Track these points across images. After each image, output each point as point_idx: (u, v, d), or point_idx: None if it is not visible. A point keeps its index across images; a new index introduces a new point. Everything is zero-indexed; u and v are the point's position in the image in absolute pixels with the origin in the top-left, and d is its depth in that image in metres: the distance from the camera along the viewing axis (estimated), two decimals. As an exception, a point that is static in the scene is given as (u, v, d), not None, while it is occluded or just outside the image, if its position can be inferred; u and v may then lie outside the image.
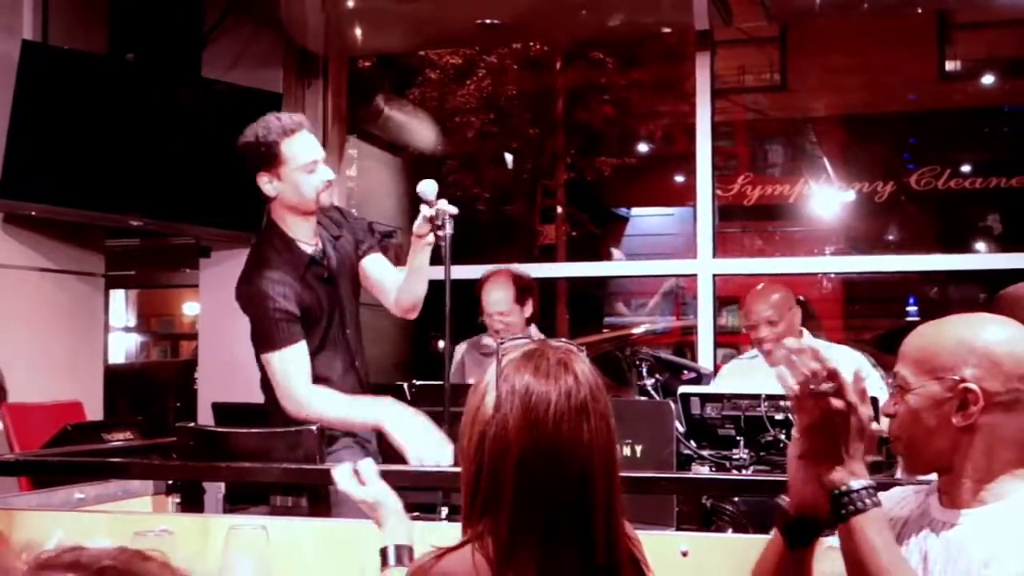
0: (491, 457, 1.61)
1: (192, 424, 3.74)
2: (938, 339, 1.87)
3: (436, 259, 3.43)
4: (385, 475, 3.18)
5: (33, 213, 5.05)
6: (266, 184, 3.53)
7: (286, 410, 3.40)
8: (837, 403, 1.71)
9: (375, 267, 3.74)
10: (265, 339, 3.45)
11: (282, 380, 3.41)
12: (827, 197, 11.35)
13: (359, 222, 3.83)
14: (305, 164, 3.49)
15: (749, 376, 4.41)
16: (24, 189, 4.94)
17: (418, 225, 3.40)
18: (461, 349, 4.93)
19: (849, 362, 4.37)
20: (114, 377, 6.01)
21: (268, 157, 3.49)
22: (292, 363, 3.42)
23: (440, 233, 3.31)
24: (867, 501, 1.71)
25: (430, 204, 3.32)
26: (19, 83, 4.85)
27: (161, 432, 5.24)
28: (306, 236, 3.58)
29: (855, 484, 1.72)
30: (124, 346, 11.21)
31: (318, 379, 3.46)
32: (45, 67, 4.95)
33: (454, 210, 3.32)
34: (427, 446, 3.18)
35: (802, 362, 1.72)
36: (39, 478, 3.66)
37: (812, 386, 1.71)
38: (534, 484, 1.59)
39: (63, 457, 3.65)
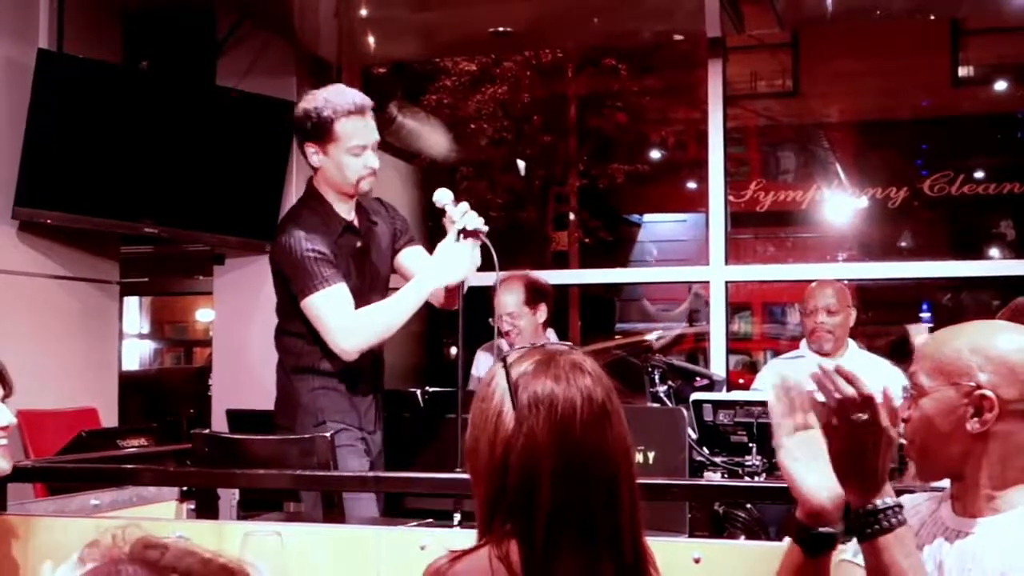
0: (521, 470, 1.58)
1: (206, 430, 3.75)
2: (955, 345, 1.85)
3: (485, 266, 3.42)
4: (395, 482, 3.20)
5: (48, 221, 5.08)
6: (312, 155, 3.54)
7: (343, 350, 3.40)
8: (870, 431, 1.69)
9: (414, 259, 3.71)
10: (305, 282, 3.41)
11: (332, 317, 3.40)
12: (840, 203, 11.31)
13: (399, 215, 3.80)
14: (352, 147, 3.48)
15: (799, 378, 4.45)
16: (40, 197, 4.97)
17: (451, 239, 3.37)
18: (480, 355, 4.93)
19: (887, 375, 4.41)
20: (129, 384, 6.04)
21: (319, 130, 3.48)
22: (336, 299, 3.40)
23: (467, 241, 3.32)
24: (893, 520, 1.70)
25: (447, 212, 3.34)
26: (35, 92, 4.87)
27: (175, 439, 5.27)
28: (343, 211, 3.58)
29: (882, 503, 1.70)
30: (138, 353, 11.24)
31: (332, 361, 3.47)
32: (60, 76, 4.98)
33: (483, 227, 3.33)
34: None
35: (838, 386, 1.70)
36: (54, 484, 3.68)
37: (846, 413, 1.69)
38: (568, 491, 1.58)
39: (78, 464, 3.66)
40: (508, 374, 1.64)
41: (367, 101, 3.53)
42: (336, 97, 3.48)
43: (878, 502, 1.70)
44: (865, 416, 1.69)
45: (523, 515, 1.58)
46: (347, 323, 3.41)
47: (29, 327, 5.00)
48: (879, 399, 1.71)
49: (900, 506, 1.72)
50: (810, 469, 1.75)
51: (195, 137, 5.41)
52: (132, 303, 10.36)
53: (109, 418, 5.43)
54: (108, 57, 5.46)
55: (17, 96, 4.88)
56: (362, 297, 3.51)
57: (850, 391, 1.70)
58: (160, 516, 3.49)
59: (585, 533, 1.58)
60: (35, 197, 4.96)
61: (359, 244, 3.59)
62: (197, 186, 5.41)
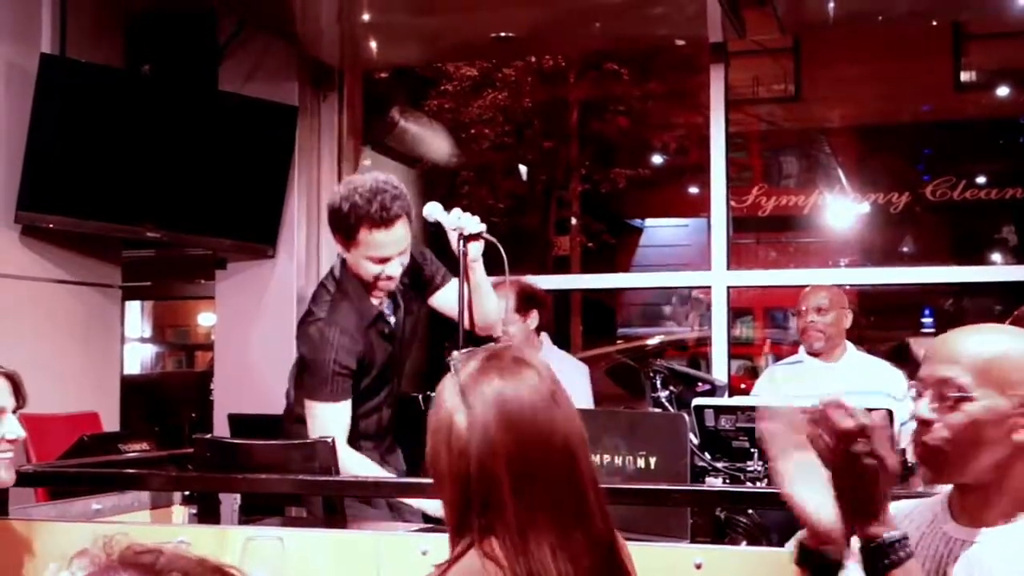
0: (481, 467, 1.63)
1: (208, 435, 3.75)
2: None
3: (490, 270, 3.42)
4: (396, 487, 3.20)
5: (51, 225, 5.08)
6: (338, 247, 3.44)
7: None
8: (870, 461, 1.67)
9: (447, 300, 3.57)
10: (315, 388, 3.37)
11: (320, 433, 3.33)
12: (842, 208, 11.33)
13: (429, 261, 3.65)
14: (372, 256, 3.34)
15: (796, 382, 4.47)
16: (42, 201, 4.98)
17: (456, 247, 3.32)
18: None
19: (888, 377, 4.42)
20: (130, 388, 6.03)
21: (343, 228, 3.34)
22: (334, 421, 3.35)
23: (469, 247, 3.30)
24: (902, 554, 1.68)
25: (441, 223, 3.32)
26: (37, 96, 4.88)
27: (177, 443, 5.26)
28: (375, 298, 3.49)
29: (889, 537, 1.69)
30: (140, 357, 11.23)
31: (356, 431, 3.43)
32: (63, 80, 4.99)
33: (481, 227, 3.31)
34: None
35: (837, 418, 1.68)
36: (56, 489, 3.68)
37: (845, 446, 1.68)
38: (529, 477, 1.64)
39: (80, 468, 3.66)
40: (457, 377, 1.70)
41: (399, 210, 3.31)
42: (368, 205, 3.28)
43: (885, 536, 1.68)
44: (865, 447, 1.67)
45: (493, 509, 1.63)
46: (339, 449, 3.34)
47: (31, 331, 5.00)
48: (878, 419, 1.69)
49: (906, 537, 1.70)
50: (813, 492, 1.74)
51: (197, 141, 5.41)
52: (134, 307, 10.35)
53: (111, 422, 5.42)
54: (111, 61, 5.46)
55: (20, 100, 4.89)
56: (388, 380, 3.54)
57: (848, 422, 1.68)
58: (161, 521, 3.49)
59: (554, 510, 1.64)
60: (38, 201, 4.96)
61: (387, 332, 3.51)
62: (199, 190, 5.41)
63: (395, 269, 3.36)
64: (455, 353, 1.77)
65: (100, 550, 1.23)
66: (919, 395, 1.86)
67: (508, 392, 1.67)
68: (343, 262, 3.47)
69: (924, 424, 1.83)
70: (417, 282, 3.59)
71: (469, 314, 3.33)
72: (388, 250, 3.32)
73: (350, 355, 3.36)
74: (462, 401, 1.67)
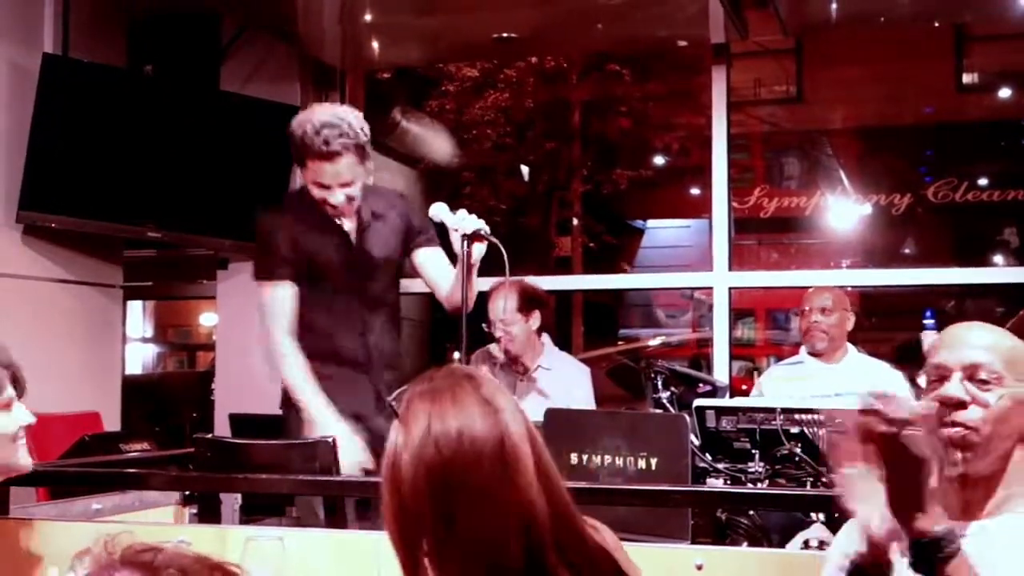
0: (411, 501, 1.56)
1: (209, 435, 3.75)
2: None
3: (485, 270, 3.48)
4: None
5: (53, 225, 5.09)
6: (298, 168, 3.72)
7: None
8: (919, 452, 1.65)
9: (427, 261, 3.82)
10: (261, 268, 3.74)
11: (267, 316, 3.68)
12: (843, 210, 11.33)
13: (418, 214, 3.84)
14: (316, 183, 3.61)
15: (798, 382, 4.48)
16: (44, 201, 4.98)
17: (459, 248, 3.40)
18: (474, 360, 4.93)
19: (888, 379, 4.43)
20: (131, 388, 6.03)
21: (296, 155, 3.63)
22: (277, 301, 3.66)
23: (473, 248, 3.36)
24: (951, 548, 1.65)
25: (446, 224, 3.37)
26: (39, 96, 4.88)
27: (178, 443, 5.27)
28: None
29: (939, 530, 1.66)
30: (141, 357, 11.24)
31: (316, 348, 3.65)
32: (65, 80, 4.99)
33: (483, 227, 3.36)
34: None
35: (888, 410, 1.64)
36: (57, 488, 3.68)
37: (895, 438, 1.65)
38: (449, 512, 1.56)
39: (81, 468, 3.66)
40: (395, 413, 1.61)
41: (340, 146, 3.55)
42: (314, 137, 3.54)
43: (937, 529, 1.65)
44: (914, 438, 1.64)
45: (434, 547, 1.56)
46: (273, 336, 3.67)
47: (33, 331, 5.00)
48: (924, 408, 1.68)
49: (954, 531, 1.67)
50: (873, 508, 1.71)
51: (199, 141, 5.41)
52: (135, 307, 10.36)
53: (112, 422, 5.43)
54: (113, 62, 5.47)
55: (22, 100, 4.90)
56: (354, 288, 3.72)
57: (899, 414, 1.65)
58: (162, 520, 3.49)
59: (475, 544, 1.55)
60: (39, 201, 4.96)
61: (339, 239, 3.71)
62: (200, 190, 5.41)
63: (338, 198, 3.60)
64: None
65: (102, 549, 1.24)
66: (940, 379, 1.88)
67: (434, 422, 1.56)
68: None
69: (958, 405, 1.84)
70: (394, 220, 3.79)
71: (448, 294, 3.65)
72: (328, 179, 3.57)
73: (290, 240, 3.67)
74: (403, 437, 1.58)
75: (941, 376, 1.88)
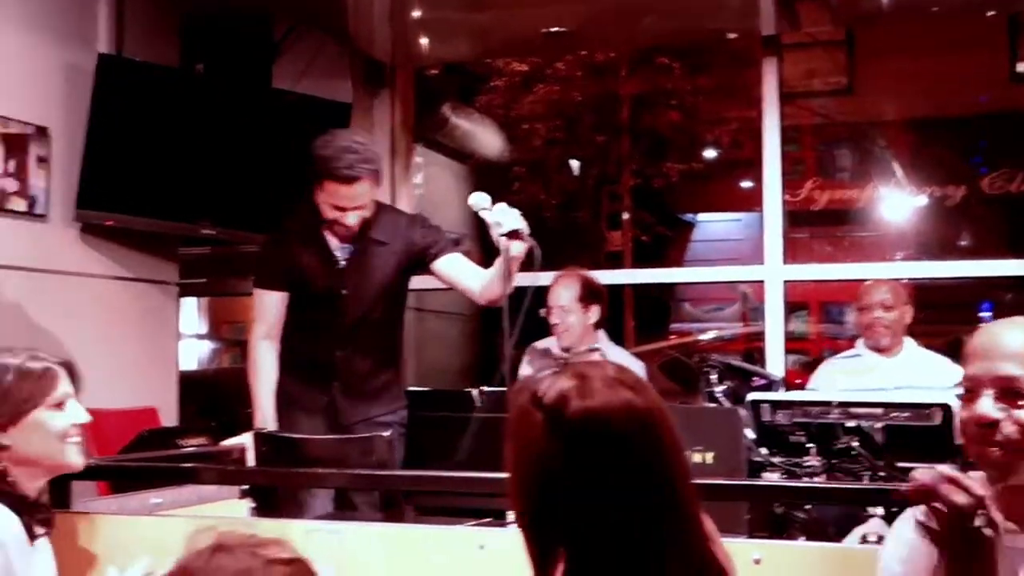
0: (577, 498, 1.52)
1: (266, 429, 3.79)
2: None
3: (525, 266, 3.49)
4: (451, 481, 3.21)
5: (110, 223, 5.15)
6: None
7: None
8: (988, 532, 1.60)
9: (449, 266, 3.91)
10: (256, 274, 4.04)
11: (254, 315, 3.98)
12: (897, 202, 11.22)
13: (432, 230, 3.98)
14: (331, 204, 3.77)
15: (855, 376, 4.46)
16: (101, 200, 5.04)
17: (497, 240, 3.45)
18: (528, 354, 4.93)
19: (946, 374, 4.38)
20: (187, 384, 6.09)
21: (315, 176, 3.78)
22: (264, 307, 3.95)
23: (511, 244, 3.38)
24: None
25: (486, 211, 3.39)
26: (95, 96, 4.94)
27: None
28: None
29: None
30: (196, 353, 11.34)
31: (286, 358, 3.92)
32: (120, 80, 5.05)
33: (519, 223, 3.37)
34: None
35: (950, 495, 1.60)
36: (116, 483, 3.72)
37: (961, 521, 1.60)
38: (625, 507, 1.54)
39: (140, 462, 3.70)
40: (542, 403, 1.55)
41: (360, 171, 3.73)
42: (335, 160, 3.70)
43: None
44: (983, 520, 1.60)
45: (578, 542, 1.52)
46: (252, 335, 3.97)
47: (91, 327, 5.07)
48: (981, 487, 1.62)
49: None
50: None
51: (251, 139, 5.45)
52: (190, 304, 10.45)
53: (169, 417, 5.49)
54: (166, 61, 5.52)
55: (78, 100, 4.96)
56: (336, 309, 3.89)
57: (962, 499, 1.60)
58: (221, 515, 3.53)
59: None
60: (97, 199, 5.03)
61: (330, 258, 3.91)
62: (253, 188, 5.45)
63: (351, 220, 3.78)
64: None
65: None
66: (974, 393, 1.81)
67: (603, 417, 1.51)
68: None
69: (990, 425, 1.78)
70: (400, 244, 3.93)
71: (481, 291, 3.76)
72: (344, 203, 3.74)
73: (281, 251, 3.95)
74: (552, 429, 1.52)
75: (973, 389, 1.81)
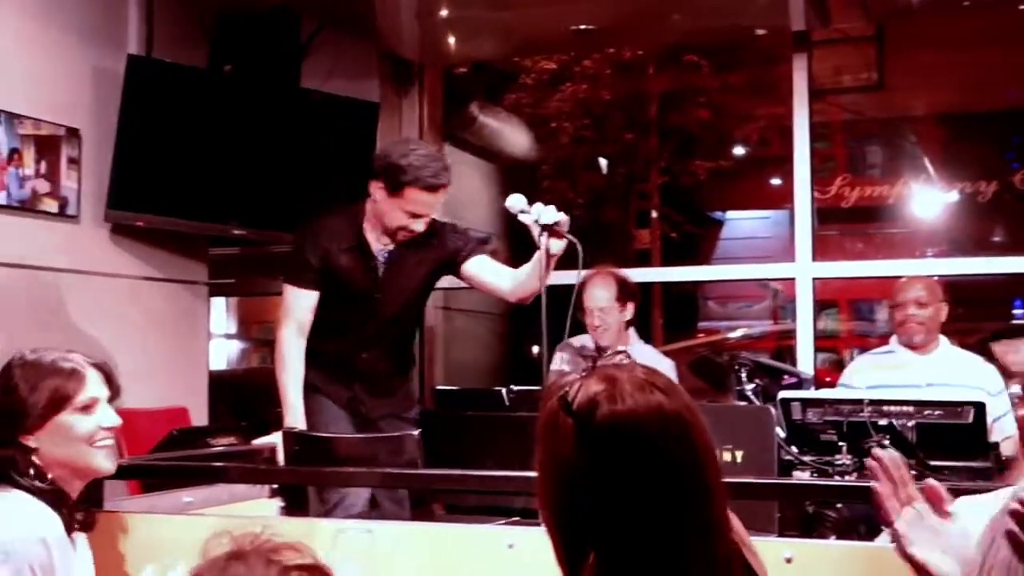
0: (605, 501, 1.53)
1: (296, 429, 3.80)
2: None
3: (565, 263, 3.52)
4: (482, 480, 3.21)
5: (140, 224, 5.18)
6: (374, 190, 3.84)
7: (279, 335, 3.99)
8: None
9: (477, 268, 3.97)
10: (287, 270, 4.02)
11: (281, 312, 3.99)
12: (928, 198, 11.12)
13: (460, 236, 4.04)
14: (409, 211, 3.78)
15: (888, 372, 4.43)
16: (131, 200, 5.07)
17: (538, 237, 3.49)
18: (558, 353, 4.92)
19: (982, 373, 4.35)
20: (217, 383, 6.11)
21: (392, 182, 3.77)
22: (295, 303, 3.94)
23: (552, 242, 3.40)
24: None
25: (526, 213, 3.40)
26: (125, 97, 4.97)
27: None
28: (372, 237, 3.95)
29: None
30: (226, 353, 11.38)
31: (317, 351, 3.92)
32: (150, 81, 5.08)
33: (560, 217, 3.39)
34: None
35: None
36: (148, 482, 3.74)
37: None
38: (655, 510, 1.54)
39: (171, 461, 3.72)
40: (571, 406, 1.54)
41: (446, 180, 3.81)
42: (423, 169, 3.74)
43: None
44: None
45: (607, 545, 1.52)
46: (282, 331, 3.98)
47: (122, 328, 5.10)
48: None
49: None
50: (933, 548, 1.67)
51: (280, 139, 5.47)
52: (219, 304, 10.49)
53: (199, 417, 5.51)
54: (195, 62, 5.55)
55: (108, 101, 4.99)
56: (368, 311, 3.95)
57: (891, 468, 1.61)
58: (251, 513, 3.54)
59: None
60: (127, 200, 5.06)
61: (371, 263, 3.95)
62: (282, 187, 5.47)
63: (419, 226, 3.84)
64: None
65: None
66: None
67: (632, 419, 1.51)
68: (365, 201, 3.94)
69: None
70: (430, 251, 3.99)
71: (514, 289, 3.85)
72: (423, 210, 3.81)
73: (317, 251, 3.93)
74: (581, 431, 1.52)
75: None
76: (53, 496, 2.48)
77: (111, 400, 2.61)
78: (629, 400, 1.52)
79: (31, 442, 2.49)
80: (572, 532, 1.55)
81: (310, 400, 3.93)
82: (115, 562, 2.85)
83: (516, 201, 3.46)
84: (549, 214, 3.41)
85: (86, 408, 2.54)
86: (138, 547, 2.89)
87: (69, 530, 2.52)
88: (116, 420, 2.59)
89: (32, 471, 2.47)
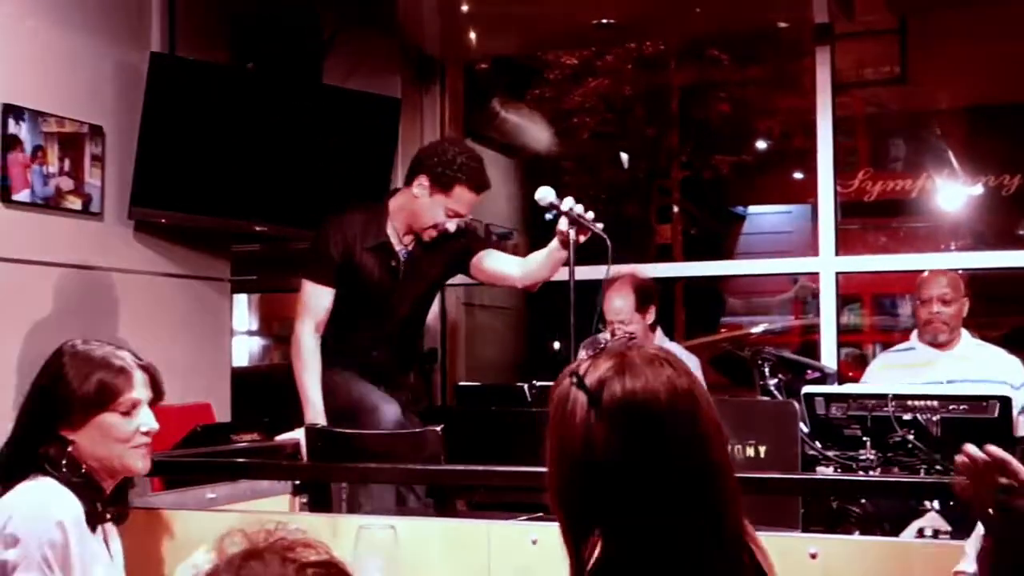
0: (615, 477, 1.55)
1: (318, 425, 3.81)
2: None
3: (586, 259, 3.53)
4: (503, 476, 3.21)
5: (163, 221, 5.20)
6: (417, 186, 3.85)
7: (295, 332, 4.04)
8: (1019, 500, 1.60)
9: (488, 259, 4.03)
10: (305, 265, 4.05)
11: (299, 307, 4.00)
12: (951, 191, 11.05)
13: (471, 234, 4.10)
14: (451, 210, 3.83)
15: (910, 369, 4.41)
16: (154, 198, 5.09)
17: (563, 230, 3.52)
18: (583, 350, 4.91)
19: (1004, 366, 4.32)
20: (240, 380, 6.13)
21: (441, 180, 3.80)
22: (312, 298, 3.97)
23: (578, 237, 3.42)
24: None
25: (555, 207, 3.41)
26: (148, 95, 4.98)
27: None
28: (393, 235, 3.98)
29: None
30: (248, 349, 11.42)
31: (340, 349, 3.96)
32: (173, 79, 5.08)
33: (588, 215, 3.41)
34: None
35: (974, 455, 1.62)
36: (172, 478, 3.76)
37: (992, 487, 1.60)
38: (664, 486, 1.56)
39: (195, 458, 3.74)
40: (584, 385, 1.58)
41: (490, 185, 3.92)
42: (474, 171, 3.82)
43: None
44: (1007, 480, 1.61)
45: (614, 522, 1.54)
46: (299, 327, 4.01)
47: (145, 324, 5.11)
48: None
49: None
50: None
51: (302, 136, 5.48)
52: (241, 300, 10.53)
53: (222, 413, 5.53)
54: (217, 59, 5.56)
55: (131, 99, 5.00)
56: (387, 308, 3.99)
57: (980, 455, 1.63)
58: (274, 509, 3.55)
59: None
60: (150, 197, 5.07)
61: (392, 262, 3.97)
62: (305, 184, 5.48)
63: (452, 226, 3.89)
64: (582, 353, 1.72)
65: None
66: None
67: (642, 396, 1.55)
68: (387, 200, 4.01)
69: None
70: (445, 253, 4.04)
71: (523, 275, 3.90)
72: (465, 209, 3.88)
73: (341, 244, 3.95)
74: (595, 409, 1.55)
75: None
76: (86, 488, 2.50)
77: (153, 403, 2.61)
78: (640, 374, 1.56)
79: (70, 436, 2.50)
80: (581, 510, 1.58)
81: (330, 379, 4.00)
82: (141, 556, 2.87)
83: (545, 193, 3.46)
84: (579, 208, 3.45)
85: (128, 411, 2.54)
86: (161, 542, 2.91)
87: (100, 521, 2.54)
88: (155, 425, 2.59)
89: (66, 464, 2.49)
